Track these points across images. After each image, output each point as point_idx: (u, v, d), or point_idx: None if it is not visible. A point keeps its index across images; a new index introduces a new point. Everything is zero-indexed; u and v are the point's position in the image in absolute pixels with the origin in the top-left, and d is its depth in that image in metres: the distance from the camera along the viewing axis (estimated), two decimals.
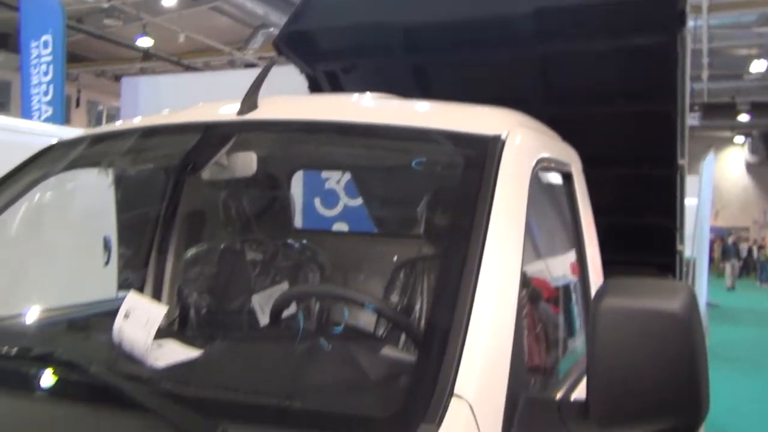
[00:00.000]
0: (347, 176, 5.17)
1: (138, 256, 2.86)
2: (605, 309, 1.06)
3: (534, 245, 1.59)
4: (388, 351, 1.42)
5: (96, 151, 1.92)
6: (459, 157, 1.44)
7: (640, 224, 3.41)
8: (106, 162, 2.01)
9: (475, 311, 1.13)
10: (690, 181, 3.73)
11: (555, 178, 1.81)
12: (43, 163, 1.86)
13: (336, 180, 5.56)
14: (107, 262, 4.57)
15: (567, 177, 1.88)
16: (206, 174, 1.71)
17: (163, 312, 1.25)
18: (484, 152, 1.40)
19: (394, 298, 2.11)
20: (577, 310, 1.95)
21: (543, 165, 1.61)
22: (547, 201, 1.79)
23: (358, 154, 1.91)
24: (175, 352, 1.32)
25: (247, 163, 1.65)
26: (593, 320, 1.06)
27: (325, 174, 5.55)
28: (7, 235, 3.03)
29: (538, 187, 1.58)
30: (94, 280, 4.21)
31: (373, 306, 1.38)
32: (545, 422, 1.10)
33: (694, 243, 5.34)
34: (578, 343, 1.91)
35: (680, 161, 3.16)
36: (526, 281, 1.50)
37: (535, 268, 1.72)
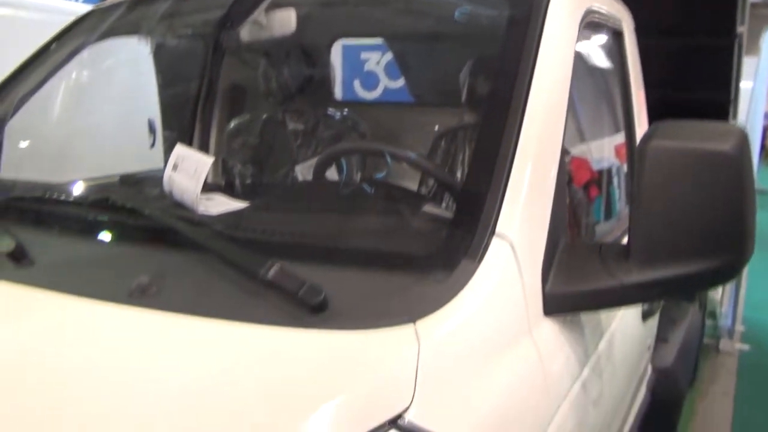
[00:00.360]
0: (387, 57, 5.05)
1: (182, 135, 2.90)
2: (653, 149, 1.04)
3: (579, 102, 1.56)
4: (431, 206, 1.44)
5: (134, 17, 1.90)
6: (503, 5, 1.39)
7: (691, 99, 3.28)
8: (145, 28, 2.00)
9: (518, 155, 1.13)
10: (746, 63, 3.54)
11: (604, 34, 1.74)
12: (81, 31, 1.86)
13: (376, 61, 5.43)
14: (153, 144, 4.65)
15: (617, 35, 1.80)
16: (245, 34, 1.70)
17: (210, 161, 1.28)
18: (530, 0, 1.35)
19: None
20: (622, 172, 1.93)
21: (592, 18, 1.55)
22: (595, 57, 1.72)
23: (397, 12, 1.85)
24: (224, 204, 1.37)
25: (285, 20, 1.62)
26: (639, 161, 1.05)
27: (364, 55, 5.42)
28: (51, 111, 3.08)
29: (585, 42, 1.52)
30: (140, 161, 4.30)
31: (415, 157, 1.39)
32: (585, 264, 1.12)
33: (746, 129, 5.12)
34: (621, 210, 1.91)
35: (739, 29, 2.99)
36: (570, 135, 1.48)
37: (580, 127, 1.69)
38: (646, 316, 1.80)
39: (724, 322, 4.41)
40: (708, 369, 3.96)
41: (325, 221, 1.23)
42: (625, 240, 1.15)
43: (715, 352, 4.23)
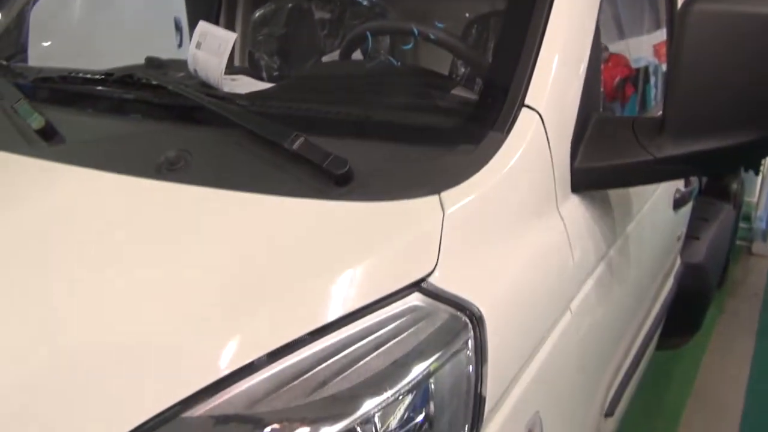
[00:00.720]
0: None
1: None
2: (695, 13, 0.98)
3: None
4: (459, 88, 1.40)
5: None
6: None
7: None
8: None
9: (549, 28, 1.08)
10: None
11: None
12: None
13: None
14: (180, 44, 4.58)
15: None
16: None
17: (233, 37, 1.25)
18: None
19: None
20: (660, 72, 1.86)
21: None
22: None
23: None
24: (249, 84, 1.36)
25: None
26: (680, 25, 0.99)
27: None
28: (73, 4, 3.03)
29: None
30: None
31: (443, 34, 1.34)
32: (616, 138, 1.09)
33: None
34: (657, 96, 1.85)
35: None
36: (608, 25, 1.42)
37: (618, 14, 1.61)
38: (677, 204, 1.77)
39: (759, 224, 4.34)
40: (739, 270, 3.95)
41: (351, 96, 1.21)
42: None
43: (747, 254, 4.21)
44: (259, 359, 0.75)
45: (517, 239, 0.98)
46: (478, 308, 0.86)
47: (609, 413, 1.44)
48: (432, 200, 0.92)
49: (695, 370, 2.87)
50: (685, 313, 2.27)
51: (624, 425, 1.79)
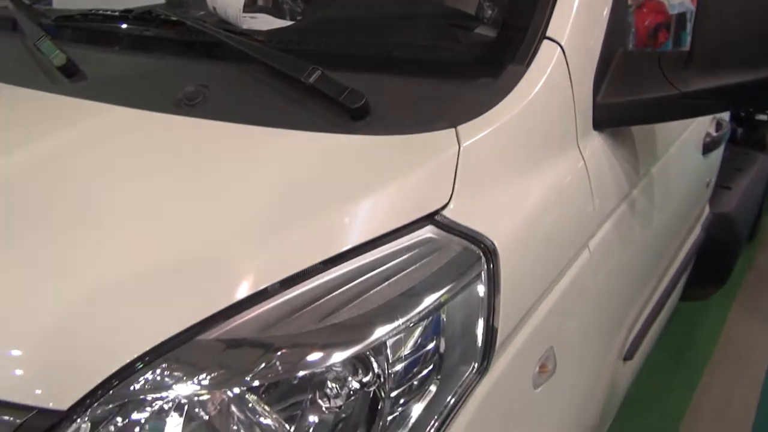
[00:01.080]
0: None
1: None
2: None
3: None
4: (481, 25, 1.37)
5: None
6: None
7: None
8: None
9: None
10: None
11: None
12: None
13: None
14: None
15: None
16: None
17: None
18: None
19: None
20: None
21: None
22: None
23: None
24: (270, 22, 1.34)
25: None
26: None
27: None
28: None
29: None
30: None
31: None
32: (641, 72, 1.06)
33: None
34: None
35: None
36: None
37: None
38: (707, 149, 1.73)
39: None
40: None
41: (370, 32, 1.19)
42: None
43: None
44: (272, 286, 0.77)
45: (535, 174, 0.97)
46: (491, 241, 0.86)
47: (628, 357, 1.44)
48: (448, 133, 0.91)
49: (722, 322, 2.84)
50: (712, 264, 2.23)
51: (646, 372, 1.79)
